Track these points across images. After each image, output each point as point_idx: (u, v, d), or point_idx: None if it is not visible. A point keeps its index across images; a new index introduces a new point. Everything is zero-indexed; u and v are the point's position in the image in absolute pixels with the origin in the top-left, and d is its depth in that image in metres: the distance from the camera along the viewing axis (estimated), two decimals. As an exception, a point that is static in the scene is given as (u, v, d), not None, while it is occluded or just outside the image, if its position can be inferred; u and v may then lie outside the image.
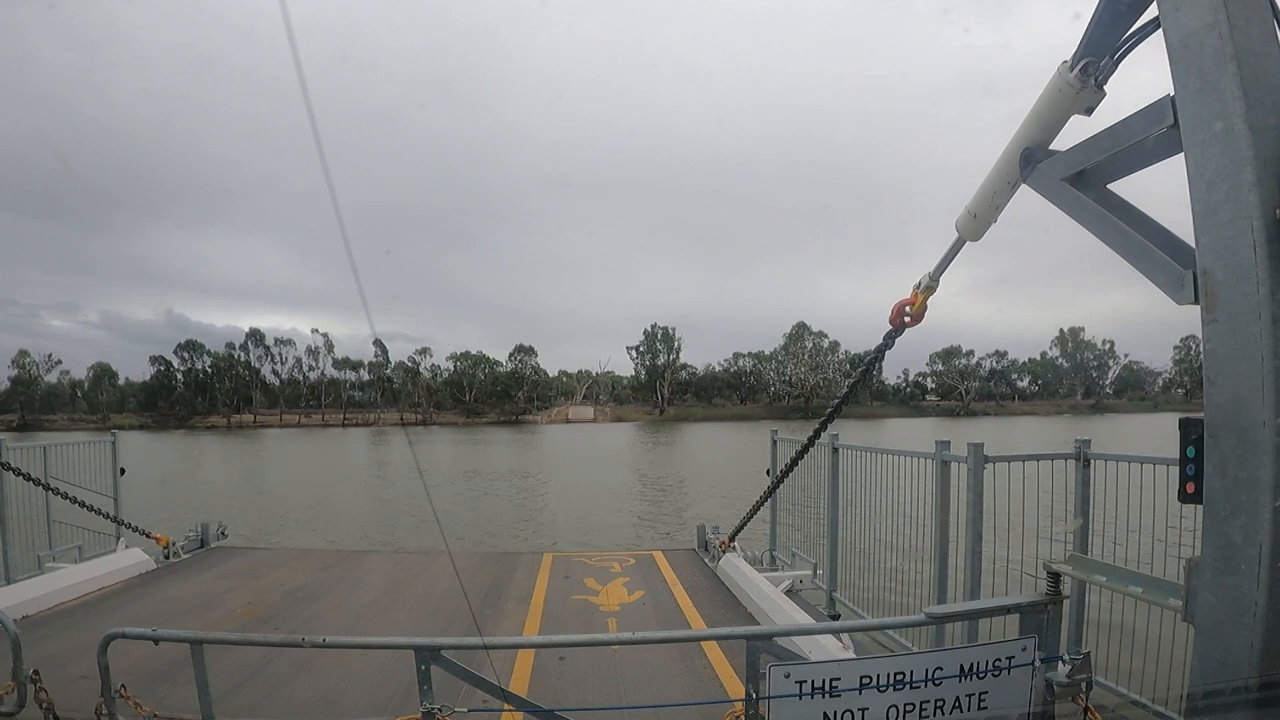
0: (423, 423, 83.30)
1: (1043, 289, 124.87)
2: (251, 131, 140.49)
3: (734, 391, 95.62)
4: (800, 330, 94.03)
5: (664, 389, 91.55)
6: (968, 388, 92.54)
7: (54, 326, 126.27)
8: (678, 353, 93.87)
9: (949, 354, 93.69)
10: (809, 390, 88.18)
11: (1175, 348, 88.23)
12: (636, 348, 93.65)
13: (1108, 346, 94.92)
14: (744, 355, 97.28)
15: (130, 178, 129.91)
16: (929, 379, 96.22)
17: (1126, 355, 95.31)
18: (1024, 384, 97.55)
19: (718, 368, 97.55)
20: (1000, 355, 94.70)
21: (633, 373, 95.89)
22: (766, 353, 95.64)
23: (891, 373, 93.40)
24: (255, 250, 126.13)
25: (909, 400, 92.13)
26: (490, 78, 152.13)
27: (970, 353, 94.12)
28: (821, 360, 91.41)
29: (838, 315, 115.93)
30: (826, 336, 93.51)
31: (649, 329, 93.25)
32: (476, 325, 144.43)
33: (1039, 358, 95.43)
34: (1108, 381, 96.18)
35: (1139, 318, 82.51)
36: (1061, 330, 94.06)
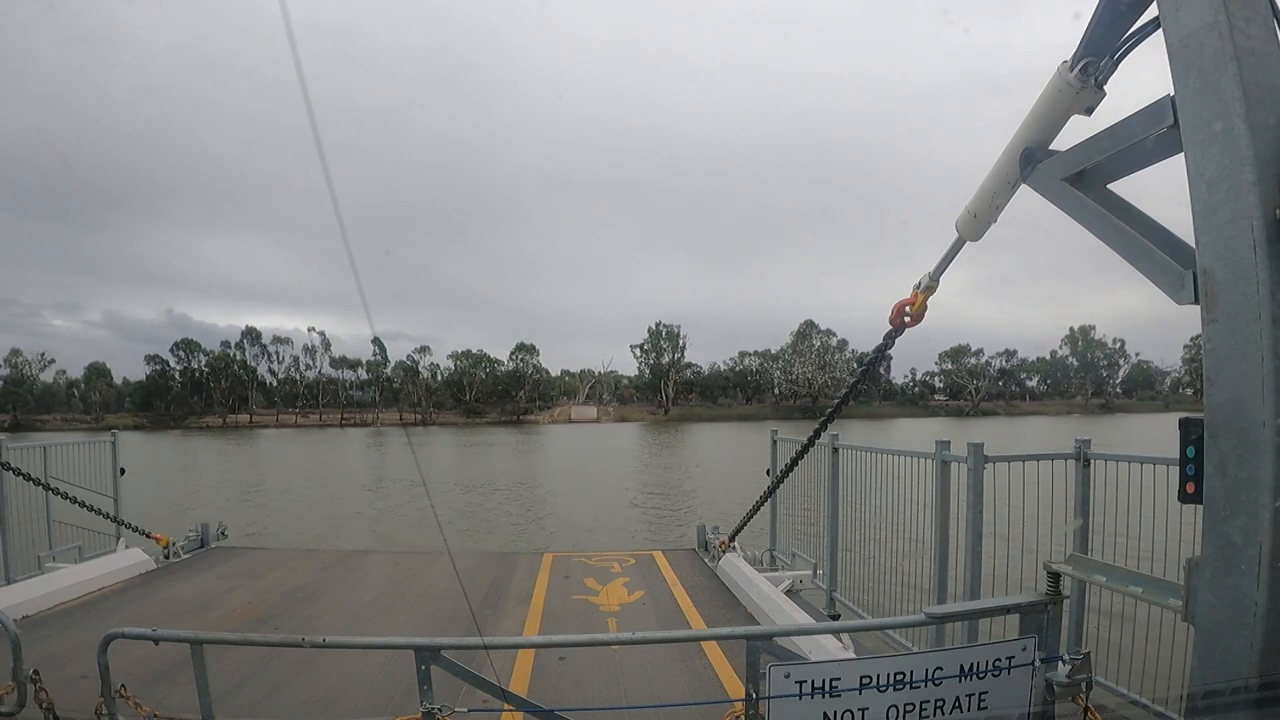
0: (422, 423, 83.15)
1: (1043, 289, 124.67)
2: (251, 131, 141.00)
3: (739, 391, 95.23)
4: (808, 329, 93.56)
5: (668, 388, 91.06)
6: (977, 387, 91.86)
7: (55, 326, 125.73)
8: (682, 351, 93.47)
9: (958, 353, 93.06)
10: (816, 390, 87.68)
11: (1185, 347, 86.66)
12: (641, 346, 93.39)
13: (1118, 345, 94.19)
14: (750, 354, 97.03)
15: (130, 178, 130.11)
16: (937, 378, 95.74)
17: (1137, 354, 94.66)
18: (1033, 383, 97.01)
19: (723, 367, 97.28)
20: (1009, 354, 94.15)
21: (636, 372, 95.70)
22: (773, 351, 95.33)
23: (899, 372, 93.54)
24: (256, 250, 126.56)
25: (917, 400, 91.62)
26: (490, 78, 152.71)
27: (979, 351, 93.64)
28: (829, 359, 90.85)
29: (839, 315, 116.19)
30: (834, 335, 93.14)
31: (653, 327, 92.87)
32: (477, 325, 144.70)
33: (1048, 357, 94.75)
34: (1117, 381, 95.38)
35: (1140, 317, 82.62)
36: (1071, 329, 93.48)
